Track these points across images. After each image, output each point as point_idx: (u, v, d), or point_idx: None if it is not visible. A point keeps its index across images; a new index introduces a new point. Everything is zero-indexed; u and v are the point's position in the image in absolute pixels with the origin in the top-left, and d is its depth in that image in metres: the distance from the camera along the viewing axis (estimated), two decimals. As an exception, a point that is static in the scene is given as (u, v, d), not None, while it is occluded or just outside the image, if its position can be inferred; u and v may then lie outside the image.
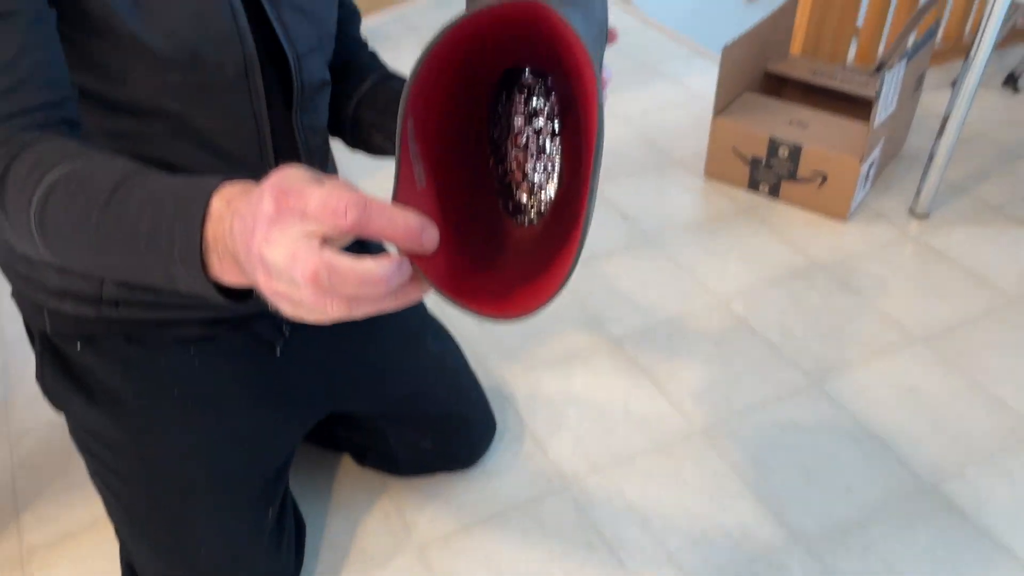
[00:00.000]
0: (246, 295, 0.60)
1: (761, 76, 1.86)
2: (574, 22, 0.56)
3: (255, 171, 0.86)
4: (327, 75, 0.91)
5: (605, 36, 0.68)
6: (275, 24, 0.81)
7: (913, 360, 1.35)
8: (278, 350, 0.98)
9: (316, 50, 0.87)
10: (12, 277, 0.92)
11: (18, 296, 0.94)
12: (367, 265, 0.49)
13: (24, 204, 0.66)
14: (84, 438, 0.94)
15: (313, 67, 0.87)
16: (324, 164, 0.96)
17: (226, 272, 0.56)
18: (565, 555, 1.06)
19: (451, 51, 0.57)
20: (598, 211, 1.70)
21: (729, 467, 1.17)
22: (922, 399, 1.28)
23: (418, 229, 0.51)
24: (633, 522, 1.10)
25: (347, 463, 1.18)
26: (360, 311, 0.52)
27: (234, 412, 0.94)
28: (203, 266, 0.56)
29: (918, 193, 1.67)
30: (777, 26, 1.83)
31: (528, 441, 1.21)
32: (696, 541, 1.08)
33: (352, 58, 0.99)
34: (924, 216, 1.67)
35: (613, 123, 2.00)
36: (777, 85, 1.91)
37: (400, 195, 0.57)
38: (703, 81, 2.19)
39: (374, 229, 0.50)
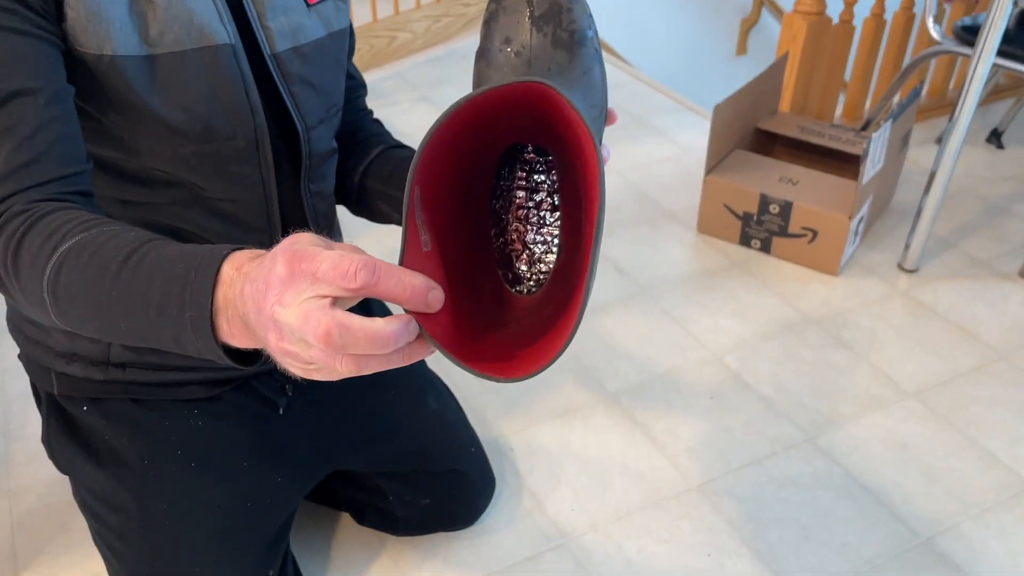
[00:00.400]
0: (254, 358, 0.62)
1: (751, 133, 1.91)
2: (576, 103, 0.59)
3: (264, 237, 0.88)
4: (334, 144, 0.94)
5: (604, 117, 0.72)
6: (286, 98, 0.84)
7: (905, 414, 1.36)
8: (281, 409, 1.00)
9: (324, 121, 0.90)
10: (20, 340, 0.94)
11: (26, 359, 0.96)
12: (377, 324, 0.52)
13: (38, 274, 0.68)
14: (88, 500, 0.95)
15: (321, 138, 0.90)
16: (331, 229, 0.98)
17: (235, 335, 0.58)
18: (564, 613, 1.06)
19: (459, 125, 0.60)
20: (593, 265, 1.72)
21: (726, 523, 1.18)
22: (915, 454, 1.29)
23: (424, 289, 0.54)
24: (632, 579, 1.10)
25: (346, 521, 1.18)
26: (369, 368, 0.54)
27: (237, 473, 0.95)
28: (213, 330, 0.58)
29: (907, 248, 1.70)
30: (766, 85, 1.88)
31: (526, 497, 1.22)
32: (694, 599, 1.08)
33: (359, 127, 1.02)
34: (913, 271, 1.70)
35: (606, 176, 2.04)
36: (767, 141, 1.96)
37: (407, 259, 0.59)
38: (694, 136, 2.24)
39: (382, 290, 0.52)
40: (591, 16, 0.73)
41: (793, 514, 1.19)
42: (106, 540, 0.93)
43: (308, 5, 0.86)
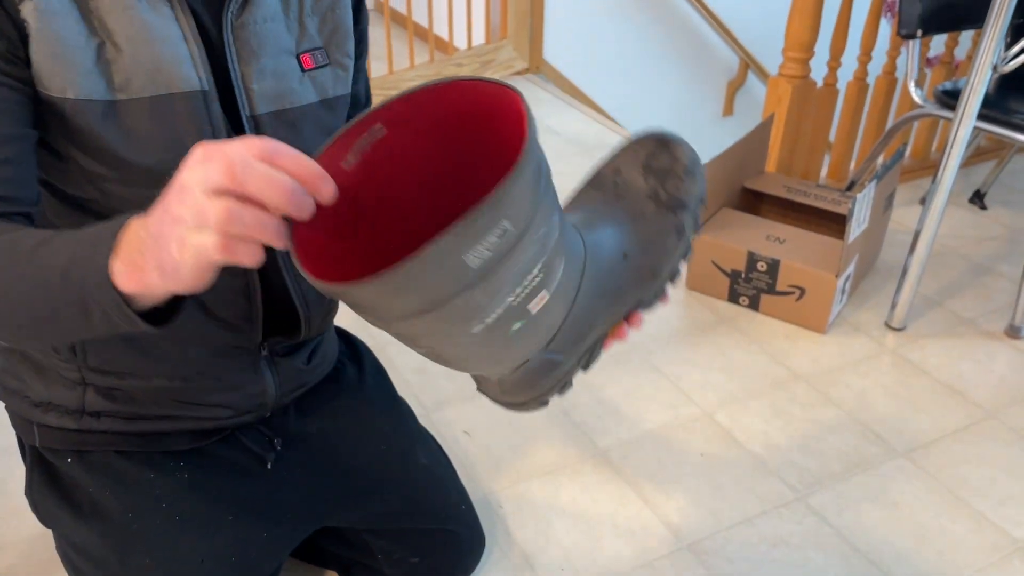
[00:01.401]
0: (166, 318, 0.63)
1: (738, 192, 1.94)
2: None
3: (242, 302, 0.88)
4: None
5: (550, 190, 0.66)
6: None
7: (895, 473, 1.36)
8: (268, 463, 0.99)
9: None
10: (1, 392, 0.93)
11: (10, 412, 0.95)
12: (296, 154, 0.55)
13: None
14: (70, 554, 0.94)
15: None
16: (320, 305, 0.97)
17: (134, 273, 0.58)
18: (554, 676, 1.04)
19: (432, 106, 0.62)
20: (583, 321, 1.73)
21: (717, 583, 1.17)
22: (906, 513, 1.29)
23: (320, 177, 0.56)
24: (622, 641, 1.09)
25: (333, 579, 1.16)
26: (237, 228, 0.53)
27: (222, 527, 0.93)
28: (109, 275, 0.59)
29: (893, 307, 1.72)
30: (752, 145, 1.92)
31: (516, 555, 1.20)
32: (686, 661, 1.06)
33: None
34: (900, 329, 1.72)
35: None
36: (754, 201, 1.99)
37: (320, 158, 0.60)
38: (683, 195, 2.27)
39: (282, 161, 0.54)
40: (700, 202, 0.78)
41: (786, 574, 1.18)
42: None
43: (303, 70, 0.86)
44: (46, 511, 0.95)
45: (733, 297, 1.78)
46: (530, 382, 0.74)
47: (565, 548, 1.22)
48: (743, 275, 1.74)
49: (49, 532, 1.20)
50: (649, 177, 0.76)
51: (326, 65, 0.88)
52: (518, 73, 3.12)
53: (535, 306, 0.65)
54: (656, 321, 1.74)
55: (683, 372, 1.59)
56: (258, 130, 0.83)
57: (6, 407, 0.96)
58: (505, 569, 1.18)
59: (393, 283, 0.54)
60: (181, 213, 0.54)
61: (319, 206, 0.57)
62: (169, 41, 0.76)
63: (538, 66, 3.15)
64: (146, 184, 0.79)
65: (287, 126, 0.84)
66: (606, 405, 1.50)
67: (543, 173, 0.60)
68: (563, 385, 0.77)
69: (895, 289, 1.72)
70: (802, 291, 1.68)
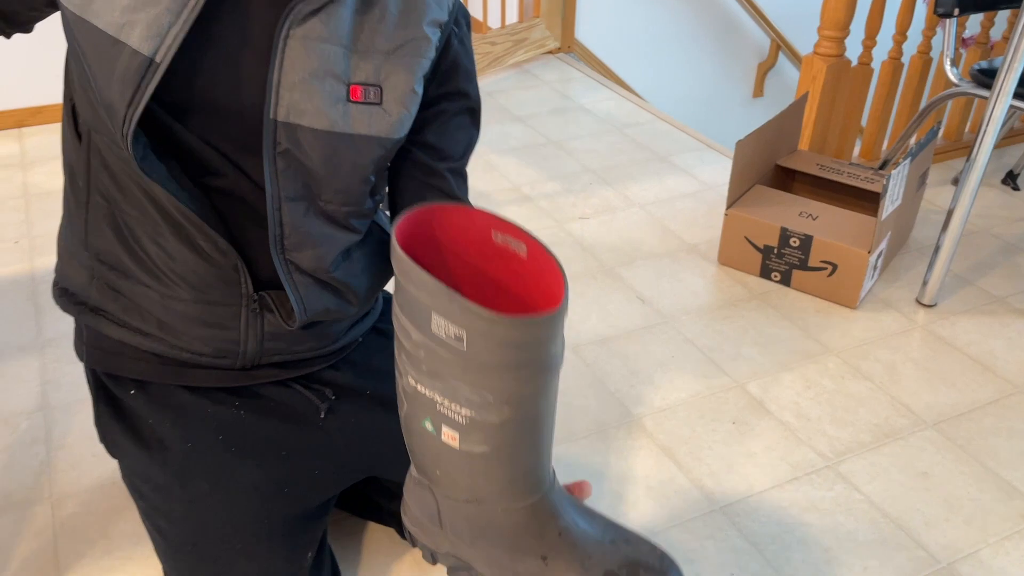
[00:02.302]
0: None
1: (771, 170, 1.96)
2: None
3: (224, 261, 0.92)
4: (335, 234, 0.93)
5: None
6: (265, 158, 0.86)
7: (925, 444, 1.39)
8: (322, 414, 1.03)
9: (309, 204, 0.90)
10: (69, 305, 0.99)
11: (78, 336, 1.02)
12: None
13: None
14: (135, 481, 0.99)
15: (300, 215, 0.90)
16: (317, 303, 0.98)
17: None
18: None
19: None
20: (616, 291, 1.77)
21: (750, 544, 1.20)
22: (935, 482, 1.32)
23: None
24: (657, 596, 1.12)
25: (377, 532, 1.21)
26: None
27: (275, 461, 0.99)
28: None
29: (924, 284, 1.74)
30: (786, 123, 1.93)
31: (553, 515, 1.24)
32: (719, 616, 1.10)
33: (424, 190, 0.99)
34: (931, 306, 1.74)
35: (629, 210, 2.09)
36: (787, 178, 2.00)
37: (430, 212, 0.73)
38: (714, 173, 2.29)
39: None
40: None
41: (815, 537, 1.22)
42: (152, 520, 0.98)
43: (348, 98, 0.85)
44: (112, 441, 1.01)
45: (765, 273, 1.81)
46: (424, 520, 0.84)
47: (601, 509, 1.26)
48: (775, 251, 1.76)
49: (107, 483, 1.26)
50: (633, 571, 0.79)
51: (376, 104, 0.87)
52: (550, 52, 3.14)
53: (445, 429, 0.74)
54: (688, 295, 1.76)
55: (715, 345, 1.62)
56: (275, 135, 0.85)
57: (76, 335, 1.03)
58: (543, 527, 1.22)
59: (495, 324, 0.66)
60: None
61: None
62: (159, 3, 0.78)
63: (570, 45, 3.17)
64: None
65: (302, 144, 0.85)
66: (639, 375, 1.54)
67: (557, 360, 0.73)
68: (432, 556, 0.85)
69: (927, 267, 1.74)
70: (834, 267, 1.70)
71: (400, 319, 0.72)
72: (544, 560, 0.79)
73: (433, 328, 0.68)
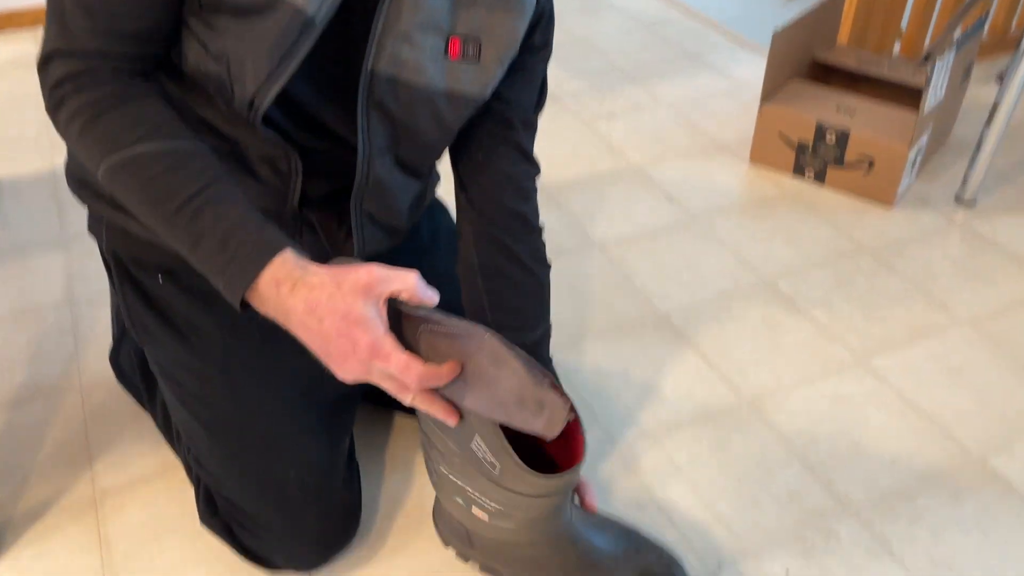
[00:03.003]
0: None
1: (808, 64, 1.88)
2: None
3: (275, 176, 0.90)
4: (413, 189, 0.95)
5: None
6: (359, 110, 0.83)
7: (960, 340, 1.36)
8: None
9: (396, 155, 0.90)
10: (89, 198, 0.95)
11: (97, 224, 0.98)
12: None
13: (104, 151, 0.77)
14: (168, 367, 0.97)
15: (387, 168, 0.90)
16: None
17: (262, 307, 0.75)
18: (616, 514, 1.08)
19: None
20: (644, 191, 1.73)
21: (777, 437, 1.19)
22: (968, 378, 1.29)
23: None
24: (682, 485, 1.12)
25: (403, 422, 1.21)
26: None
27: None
28: (243, 299, 0.75)
29: (964, 181, 1.68)
30: (825, 16, 1.84)
31: (578, 405, 1.24)
32: (745, 505, 1.10)
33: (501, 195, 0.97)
34: (971, 204, 1.68)
35: (658, 109, 2.03)
36: (824, 74, 1.93)
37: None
38: (747, 71, 2.21)
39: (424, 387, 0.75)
40: None
41: (844, 430, 1.20)
42: (190, 407, 0.97)
43: (446, 53, 0.83)
44: (143, 328, 0.98)
45: (798, 170, 1.75)
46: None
47: (625, 402, 1.25)
48: (810, 147, 1.71)
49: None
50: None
51: (474, 62, 0.85)
52: (577, -51, 3.01)
53: (475, 508, 0.87)
54: (717, 194, 1.72)
55: (745, 243, 1.58)
56: (371, 87, 0.82)
57: (91, 223, 1.00)
58: (568, 418, 1.22)
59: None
60: (352, 369, 0.74)
61: None
62: None
63: (598, -59, 3.04)
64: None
65: (399, 98, 0.84)
66: (666, 272, 1.51)
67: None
68: (464, 557, 0.99)
69: (967, 164, 1.67)
70: (871, 163, 1.65)
71: (431, 425, 0.82)
72: None
73: (473, 446, 0.79)
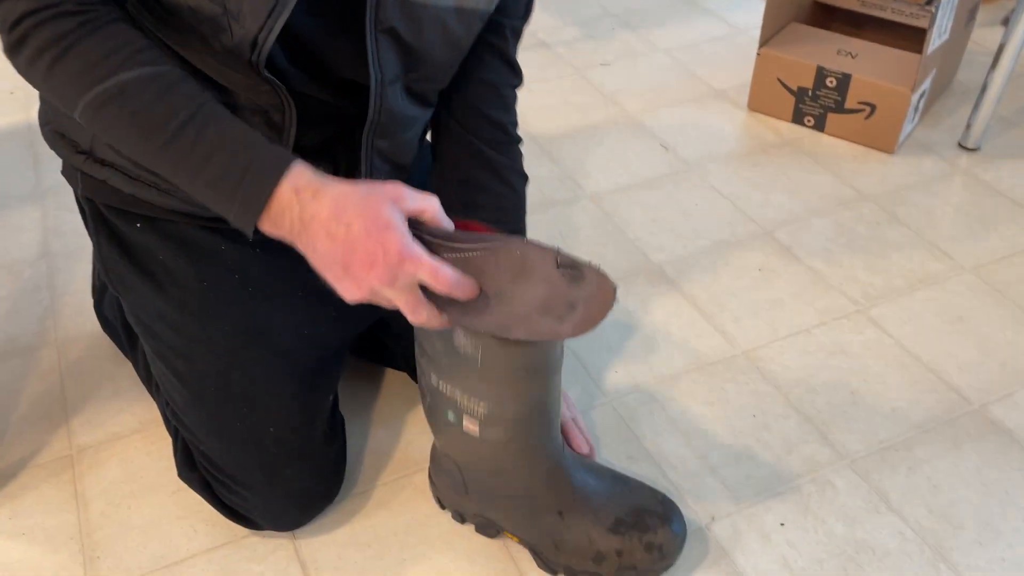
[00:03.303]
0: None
1: (808, 7, 1.82)
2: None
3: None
4: (416, 113, 0.90)
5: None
6: (368, 39, 0.78)
7: (962, 288, 1.32)
8: None
9: (404, 85, 0.85)
10: (66, 152, 0.90)
11: (71, 171, 0.93)
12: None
13: (82, 89, 0.70)
14: (146, 320, 0.93)
15: (398, 98, 0.85)
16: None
17: (272, 231, 0.70)
18: (607, 466, 1.05)
19: None
20: (638, 140, 1.68)
21: (773, 388, 1.16)
22: (970, 326, 1.26)
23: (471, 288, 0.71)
24: (675, 437, 1.09)
25: (391, 377, 1.18)
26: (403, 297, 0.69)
27: (292, 302, 0.94)
28: (255, 223, 0.69)
29: (968, 126, 1.63)
30: (826, -45, 1.78)
31: (570, 358, 1.21)
32: (739, 456, 1.07)
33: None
34: (974, 149, 1.63)
35: (653, 55, 1.97)
36: (824, 16, 1.86)
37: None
38: (745, 16, 2.15)
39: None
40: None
41: (842, 380, 1.17)
42: (168, 361, 0.92)
43: None
44: (118, 277, 0.93)
45: (798, 117, 1.70)
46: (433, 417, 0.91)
47: (618, 354, 1.21)
48: (810, 92, 1.65)
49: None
50: (632, 529, 0.90)
51: None
52: None
53: (466, 419, 0.84)
54: (715, 142, 1.67)
55: (742, 192, 1.54)
56: (378, 10, 0.77)
57: (65, 168, 0.94)
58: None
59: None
60: (377, 276, 0.68)
61: None
62: None
63: None
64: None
65: (410, 18, 0.79)
66: (661, 223, 1.47)
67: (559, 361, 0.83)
68: (461, 516, 0.98)
69: (971, 110, 1.62)
70: (872, 108, 1.59)
71: (424, 329, 0.81)
72: (561, 515, 0.90)
73: (455, 342, 0.78)
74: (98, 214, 0.93)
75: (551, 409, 0.86)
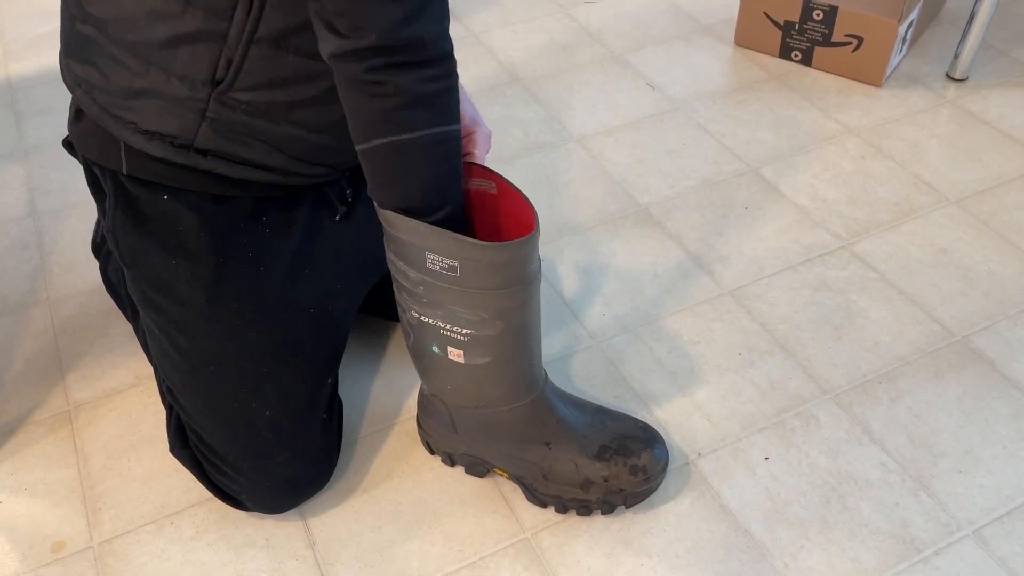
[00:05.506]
0: None
1: (795, -63, 1.78)
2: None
3: None
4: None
5: None
6: None
7: (946, 220, 1.33)
8: (338, 216, 0.98)
9: None
10: (95, 111, 0.87)
11: (89, 135, 0.90)
12: None
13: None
14: (150, 292, 0.91)
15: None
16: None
17: None
18: (596, 407, 1.08)
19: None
20: (624, 79, 1.66)
21: (759, 325, 1.18)
22: (954, 258, 1.27)
23: None
24: (662, 377, 1.11)
25: (376, 325, 1.19)
26: None
27: (300, 282, 0.94)
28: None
29: (956, 57, 1.61)
30: None
31: (555, 301, 1.22)
32: (724, 394, 1.09)
33: None
34: (962, 80, 1.62)
35: (639, -7, 1.94)
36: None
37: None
38: (733, -51, 2.11)
39: None
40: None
41: (826, 316, 1.19)
42: (170, 336, 0.91)
43: None
44: (128, 247, 0.91)
45: (784, 52, 1.69)
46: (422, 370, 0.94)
47: (605, 296, 1.23)
48: (797, 26, 1.63)
49: (102, 287, 1.23)
50: (617, 455, 0.93)
51: None
52: None
53: (451, 348, 0.86)
54: (701, 80, 1.66)
55: (728, 130, 1.53)
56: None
57: (77, 134, 0.92)
58: (545, 314, 1.20)
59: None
60: None
61: None
62: None
63: None
64: None
65: None
66: (647, 164, 1.47)
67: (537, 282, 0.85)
68: (451, 458, 1.00)
69: (958, 40, 1.61)
70: (860, 40, 1.58)
71: (396, 264, 0.82)
72: (548, 446, 0.93)
73: (428, 264, 0.79)
74: (116, 181, 0.91)
75: (531, 330, 0.87)
